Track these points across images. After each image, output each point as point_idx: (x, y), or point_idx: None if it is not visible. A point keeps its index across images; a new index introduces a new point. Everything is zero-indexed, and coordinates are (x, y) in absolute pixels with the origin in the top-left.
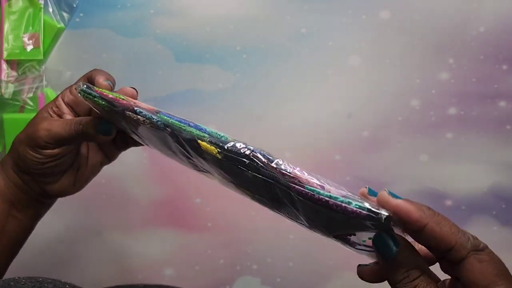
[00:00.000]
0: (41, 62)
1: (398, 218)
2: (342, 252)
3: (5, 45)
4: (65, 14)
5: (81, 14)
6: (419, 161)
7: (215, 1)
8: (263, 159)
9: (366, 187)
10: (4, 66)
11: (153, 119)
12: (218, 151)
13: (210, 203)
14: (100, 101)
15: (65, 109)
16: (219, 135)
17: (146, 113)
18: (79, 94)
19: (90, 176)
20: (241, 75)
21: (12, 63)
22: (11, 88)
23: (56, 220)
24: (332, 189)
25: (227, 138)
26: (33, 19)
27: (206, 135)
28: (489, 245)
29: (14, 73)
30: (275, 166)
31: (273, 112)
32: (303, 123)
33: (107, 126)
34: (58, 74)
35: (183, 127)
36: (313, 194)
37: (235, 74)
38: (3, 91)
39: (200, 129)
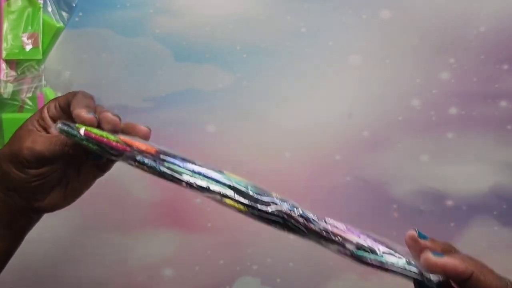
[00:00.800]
0: (40, 61)
1: (446, 276)
2: None
3: (4, 45)
4: (64, 14)
5: (81, 14)
6: (420, 161)
7: (215, 1)
8: (300, 220)
9: (415, 230)
10: (3, 65)
11: (161, 170)
12: (247, 210)
13: (210, 204)
14: (88, 144)
15: (50, 122)
16: (242, 184)
17: (152, 162)
18: (62, 134)
19: (82, 190)
20: (241, 75)
21: (11, 63)
22: (10, 88)
23: (55, 221)
24: (374, 245)
25: (247, 187)
26: (32, 19)
27: (228, 188)
28: (490, 245)
29: (13, 73)
30: (313, 227)
31: (273, 112)
32: (303, 123)
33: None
34: (57, 74)
35: (198, 178)
36: (361, 257)
37: (235, 74)
38: (2, 90)
39: (218, 181)
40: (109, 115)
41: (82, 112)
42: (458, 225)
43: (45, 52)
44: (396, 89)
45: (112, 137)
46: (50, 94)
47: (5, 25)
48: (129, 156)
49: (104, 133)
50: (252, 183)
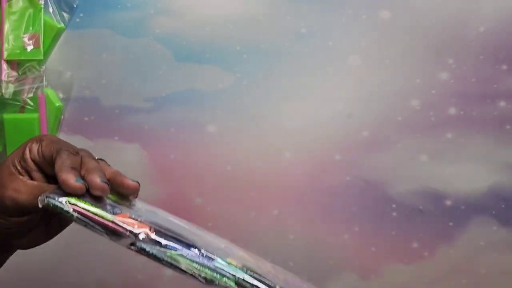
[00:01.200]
0: (41, 62)
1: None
2: (342, 252)
3: (5, 45)
4: (65, 14)
5: (81, 14)
6: (419, 161)
7: (215, 1)
8: None
9: None
10: (5, 66)
11: (163, 259)
12: None
13: (211, 203)
14: (78, 219)
15: (31, 165)
16: (246, 277)
17: (153, 250)
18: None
19: (63, 227)
20: (241, 75)
21: (12, 63)
22: (11, 88)
23: None
24: None
25: (249, 273)
26: (33, 19)
27: (233, 282)
28: (489, 245)
29: (14, 73)
30: None
31: (273, 112)
32: (303, 123)
33: None
34: (59, 74)
35: (202, 271)
36: None
37: (235, 74)
38: (3, 91)
39: (223, 275)
40: (98, 181)
41: (70, 180)
42: (457, 225)
43: (46, 53)
44: (395, 89)
45: (108, 216)
46: (51, 94)
47: (7, 26)
48: (128, 241)
49: (99, 212)
50: (256, 270)
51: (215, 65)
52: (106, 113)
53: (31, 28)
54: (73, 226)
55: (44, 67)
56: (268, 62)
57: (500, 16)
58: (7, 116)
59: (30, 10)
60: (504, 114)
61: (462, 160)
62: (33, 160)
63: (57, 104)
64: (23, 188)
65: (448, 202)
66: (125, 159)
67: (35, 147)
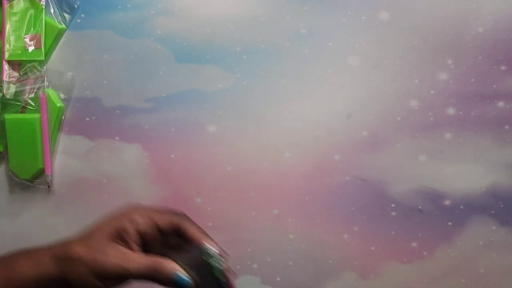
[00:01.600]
0: (42, 62)
1: None
2: (342, 252)
3: (6, 46)
4: (66, 15)
5: (82, 15)
6: (418, 161)
7: (215, 2)
8: None
9: None
10: (6, 66)
11: None
12: None
13: (211, 203)
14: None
15: (135, 237)
16: None
17: None
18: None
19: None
20: (241, 76)
21: (14, 64)
22: (12, 89)
23: (58, 221)
24: None
25: None
26: (35, 20)
27: None
28: (488, 244)
29: (15, 74)
30: None
31: (273, 112)
32: (303, 123)
33: (184, 282)
34: (60, 75)
35: None
36: None
37: (235, 75)
38: (4, 91)
39: None
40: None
41: (216, 247)
42: (456, 225)
43: (48, 53)
44: (394, 90)
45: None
46: (53, 95)
47: (8, 27)
48: None
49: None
50: None
51: (216, 65)
52: (107, 113)
53: (32, 29)
54: (71, 226)
55: (45, 67)
56: (268, 62)
57: (499, 16)
58: (8, 116)
59: (31, 11)
60: (502, 114)
61: (461, 160)
62: (143, 234)
63: (58, 105)
64: (133, 257)
65: (447, 202)
66: (126, 159)
67: (140, 220)
